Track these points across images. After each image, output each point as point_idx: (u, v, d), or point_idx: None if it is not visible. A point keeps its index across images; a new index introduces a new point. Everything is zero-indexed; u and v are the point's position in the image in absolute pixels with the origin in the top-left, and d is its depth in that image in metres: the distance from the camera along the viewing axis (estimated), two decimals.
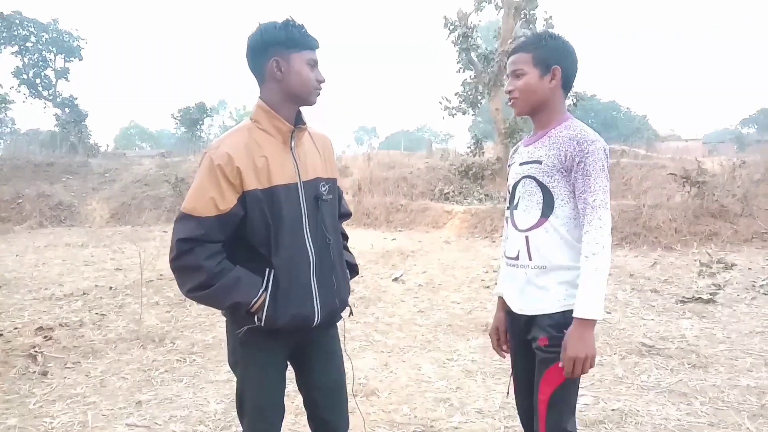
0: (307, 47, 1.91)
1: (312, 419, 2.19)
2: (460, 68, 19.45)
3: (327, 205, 2.02)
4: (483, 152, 19.12)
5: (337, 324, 2.18)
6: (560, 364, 1.88)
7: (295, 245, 1.91)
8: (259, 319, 1.89)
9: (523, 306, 2.02)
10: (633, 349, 4.53)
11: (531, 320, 2.01)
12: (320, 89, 1.97)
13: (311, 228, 1.95)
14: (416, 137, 68.85)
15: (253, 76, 1.98)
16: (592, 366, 1.88)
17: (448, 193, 15.97)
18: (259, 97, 1.97)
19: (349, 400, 2.22)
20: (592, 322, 1.87)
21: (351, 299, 2.22)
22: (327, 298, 1.99)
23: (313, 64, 1.93)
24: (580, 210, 1.93)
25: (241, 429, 3.26)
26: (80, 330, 5.29)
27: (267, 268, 1.89)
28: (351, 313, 2.21)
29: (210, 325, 5.48)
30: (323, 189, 2.00)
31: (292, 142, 1.97)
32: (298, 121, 1.99)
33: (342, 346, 2.20)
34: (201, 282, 1.82)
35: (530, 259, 1.99)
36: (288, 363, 2.11)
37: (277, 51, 1.88)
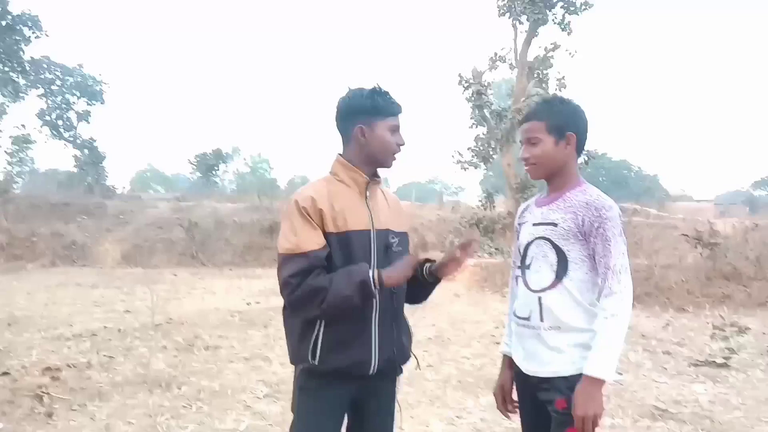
0: (390, 114, 2.05)
1: None
2: (473, 124, 19.78)
3: (397, 255, 2.08)
4: (494, 206, 19.25)
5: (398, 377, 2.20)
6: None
7: None
8: (313, 357, 1.93)
9: (537, 368, 2.01)
10: (645, 412, 4.45)
11: (544, 381, 2.00)
12: (399, 152, 2.10)
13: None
14: (427, 189, 69.33)
15: (339, 134, 2.12)
16: (596, 425, 1.88)
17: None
18: (339, 154, 2.11)
19: None
20: (601, 382, 1.87)
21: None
22: (386, 346, 2.03)
23: (395, 130, 2.06)
24: (600, 274, 1.95)
25: None
26: (87, 371, 5.28)
27: None
28: (418, 365, 2.28)
29: (218, 372, 5.45)
30: (393, 240, 2.09)
31: (368, 193, 2.07)
32: (374, 176, 2.11)
33: (396, 400, 2.21)
34: (320, 296, 1.87)
35: (542, 320, 2.00)
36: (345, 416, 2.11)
37: (362, 118, 2.03)
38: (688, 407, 4.59)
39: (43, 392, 4.53)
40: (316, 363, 1.94)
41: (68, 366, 5.39)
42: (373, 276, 1.90)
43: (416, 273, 2.11)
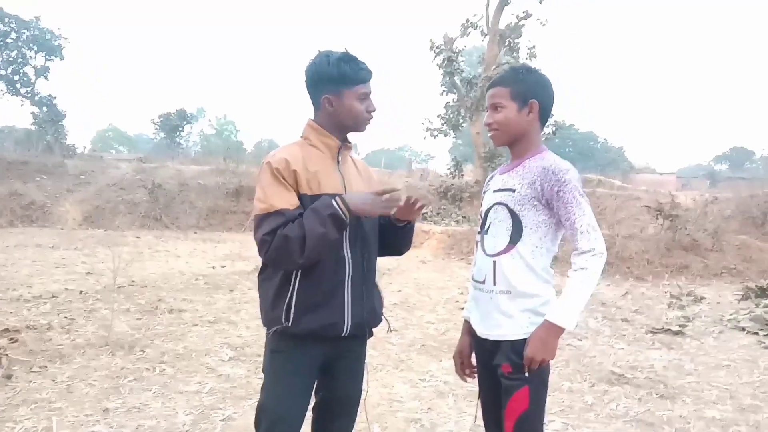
0: (359, 82, 2.02)
1: (318, 425, 2.22)
2: (444, 91, 19.72)
3: (368, 223, 2.10)
4: (462, 174, 19.34)
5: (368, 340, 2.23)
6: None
7: (334, 253, 1.98)
8: (287, 319, 1.94)
9: (487, 330, 2.06)
10: (603, 377, 4.59)
11: (495, 345, 2.03)
12: (371, 118, 2.09)
13: (351, 240, 2.03)
14: (397, 156, 69.25)
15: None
16: (540, 368, 1.94)
17: (426, 213, 16.06)
18: (311, 119, 2.10)
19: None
20: (560, 330, 1.92)
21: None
22: (357, 309, 2.04)
23: (365, 97, 2.04)
24: (569, 236, 1.99)
25: None
26: (48, 333, 5.18)
27: (294, 270, 1.94)
28: (389, 328, 2.30)
29: (181, 335, 5.41)
30: None
31: (339, 158, 2.09)
32: (345, 140, 2.10)
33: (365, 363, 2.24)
34: (298, 243, 1.86)
35: (495, 283, 2.03)
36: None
37: (330, 88, 2.01)
38: (643, 372, 4.75)
39: (1, 354, 4.43)
40: (290, 325, 1.95)
41: (28, 327, 5.27)
42: (338, 204, 1.91)
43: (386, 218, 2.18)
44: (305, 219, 1.89)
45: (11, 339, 4.86)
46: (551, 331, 1.92)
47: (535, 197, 1.98)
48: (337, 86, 2.00)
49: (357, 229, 2.04)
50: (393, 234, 2.23)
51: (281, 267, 1.96)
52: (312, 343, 2.01)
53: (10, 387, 3.93)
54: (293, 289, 1.95)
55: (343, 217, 1.90)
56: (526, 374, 1.94)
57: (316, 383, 2.17)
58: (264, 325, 2.06)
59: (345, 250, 2.01)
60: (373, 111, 2.08)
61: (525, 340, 1.95)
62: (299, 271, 1.95)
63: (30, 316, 5.81)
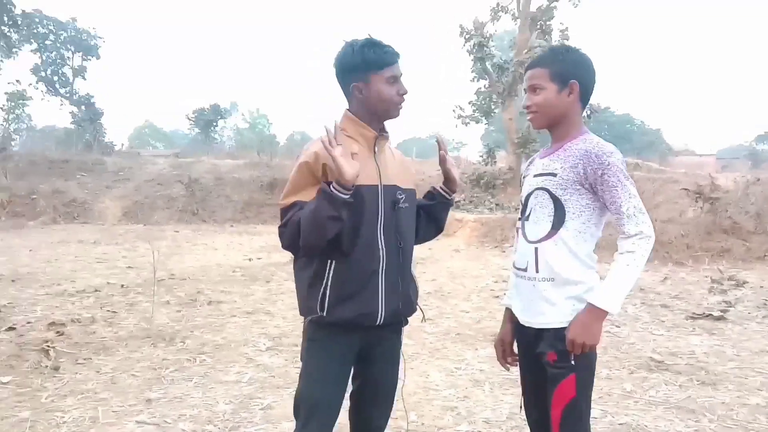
0: (385, 65, 2.00)
1: (355, 412, 2.24)
2: (475, 77, 19.50)
3: (403, 212, 2.10)
4: (495, 161, 19.16)
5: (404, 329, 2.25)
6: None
7: (368, 243, 2.00)
8: (321, 309, 1.97)
9: (530, 318, 2.03)
10: (642, 364, 4.52)
11: (538, 334, 2.01)
12: (403, 101, 2.07)
13: (386, 230, 2.03)
14: (428, 144, 68.81)
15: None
16: (585, 352, 1.91)
17: (459, 201, 15.98)
18: (347, 109, 2.10)
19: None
20: (603, 313, 1.89)
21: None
22: (391, 299, 2.05)
23: (394, 80, 2.02)
24: (614, 221, 1.94)
25: (248, 430, 3.30)
26: (92, 326, 5.35)
27: (329, 260, 1.97)
28: (424, 317, 2.34)
29: (220, 326, 5.52)
30: (400, 196, 2.09)
31: (376, 148, 2.07)
32: (382, 131, 2.10)
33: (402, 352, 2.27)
34: (295, 229, 1.91)
35: (537, 271, 1.99)
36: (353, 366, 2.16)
37: (356, 76, 2.01)
38: (683, 359, 4.66)
39: (48, 346, 4.59)
40: (324, 314, 1.98)
41: (72, 321, 5.45)
42: (330, 185, 1.85)
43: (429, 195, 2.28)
44: (303, 212, 1.91)
45: (58, 332, 5.03)
46: (594, 315, 1.88)
47: (578, 181, 1.93)
48: (364, 72, 1.99)
49: (391, 220, 2.04)
50: (441, 209, 2.28)
51: (297, 253, 2.01)
52: (347, 332, 2.03)
53: (57, 378, 4.08)
54: (327, 279, 1.97)
55: (332, 191, 1.84)
56: (572, 362, 1.91)
57: (353, 371, 2.19)
58: (300, 314, 2.10)
59: (379, 241, 2.02)
60: (405, 93, 2.06)
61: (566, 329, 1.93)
62: (333, 262, 1.96)
63: (74, 309, 5.99)
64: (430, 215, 2.27)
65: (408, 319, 2.22)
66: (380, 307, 2.02)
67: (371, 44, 1.99)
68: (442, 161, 2.22)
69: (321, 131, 1.96)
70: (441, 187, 2.27)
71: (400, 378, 2.28)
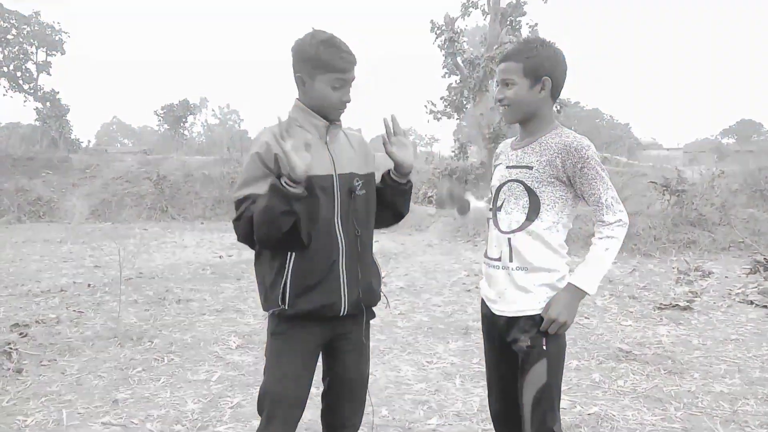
0: (335, 69, 1.94)
1: (328, 412, 2.22)
2: (446, 73, 19.51)
3: (360, 199, 2.08)
4: (467, 156, 19.24)
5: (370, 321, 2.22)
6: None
7: (326, 233, 1.97)
8: (283, 301, 1.95)
9: (504, 307, 2.04)
10: (610, 354, 4.58)
11: (511, 322, 2.02)
12: (344, 108, 2.04)
13: (342, 219, 2.01)
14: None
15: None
16: (561, 331, 1.97)
17: (431, 196, 16.03)
18: (297, 98, 2.07)
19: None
20: (582, 293, 1.96)
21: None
22: (353, 288, 2.03)
23: (341, 85, 1.97)
24: (593, 211, 2.00)
25: (217, 429, 3.26)
26: (57, 327, 5.22)
27: (288, 253, 1.94)
28: (388, 304, 2.34)
29: (189, 324, 5.43)
30: (357, 183, 2.07)
31: (328, 137, 2.05)
32: (334, 120, 2.07)
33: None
34: (248, 223, 1.90)
35: (511, 260, 2.02)
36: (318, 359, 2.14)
37: (304, 68, 1.97)
38: (651, 349, 4.74)
39: (11, 348, 4.47)
40: (286, 307, 1.96)
41: (37, 322, 5.32)
42: (281, 179, 1.82)
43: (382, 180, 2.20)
44: (258, 200, 1.88)
45: (21, 333, 4.91)
46: (574, 294, 1.96)
47: (554, 174, 1.97)
48: (312, 69, 1.96)
49: (348, 207, 2.03)
50: (393, 194, 2.20)
51: (254, 248, 2.00)
52: (310, 324, 2.01)
53: (20, 381, 3.97)
54: (288, 271, 1.95)
55: (282, 186, 1.80)
56: (544, 347, 1.95)
57: (323, 369, 2.17)
58: (263, 309, 2.07)
59: (337, 230, 2.00)
60: (347, 101, 2.02)
61: (541, 315, 1.97)
62: (293, 254, 1.94)
63: (39, 310, 5.85)
64: (382, 200, 2.22)
65: (374, 311, 2.20)
66: (343, 297, 2.01)
67: (330, 44, 1.94)
68: (384, 144, 2.13)
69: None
70: (391, 172, 2.19)
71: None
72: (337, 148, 2.08)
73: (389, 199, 2.22)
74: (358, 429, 2.23)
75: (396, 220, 2.31)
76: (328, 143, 2.05)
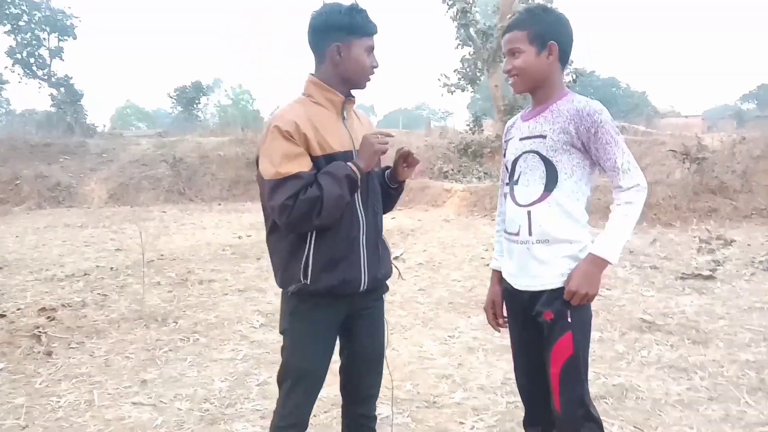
0: (367, 33, 1.99)
1: (347, 386, 2.26)
2: (459, 44, 19.26)
3: (373, 177, 2.11)
4: (482, 130, 19.05)
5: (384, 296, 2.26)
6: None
7: (350, 210, 1.99)
8: (305, 277, 1.95)
9: (526, 282, 2.03)
10: (633, 325, 4.57)
11: (534, 296, 2.01)
12: (373, 74, 2.06)
13: (363, 196, 2.03)
14: (414, 115, 68.47)
15: (312, 53, 2.05)
16: (589, 301, 1.95)
17: (447, 171, 15.96)
18: (311, 74, 2.05)
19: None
20: (604, 263, 1.92)
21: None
22: (373, 264, 2.06)
23: (371, 51, 2.01)
24: (609, 177, 1.96)
25: (245, 407, 3.31)
26: (83, 310, 5.31)
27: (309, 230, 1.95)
28: (400, 275, 2.41)
29: (212, 305, 5.50)
30: None
31: (344, 113, 2.06)
32: (348, 95, 2.07)
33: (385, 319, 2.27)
34: (317, 206, 1.87)
35: (530, 234, 1.99)
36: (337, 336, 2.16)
37: (339, 36, 1.96)
38: (674, 319, 4.72)
39: (40, 332, 4.56)
40: (308, 282, 1.96)
41: (63, 306, 5.41)
42: (351, 167, 1.92)
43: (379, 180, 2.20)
44: (322, 181, 1.88)
45: (49, 317, 5.00)
46: (596, 264, 1.91)
47: (569, 141, 1.94)
48: (348, 35, 1.96)
49: (367, 185, 2.05)
50: (383, 194, 2.23)
51: (297, 230, 1.95)
52: (330, 302, 2.03)
53: (51, 363, 4.06)
54: (309, 247, 1.95)
55: (356, 178, 1.92)
56: (569, 320, 1.93)
57: (339, 344, 2.19)
58: (279, 286, 2.07)
59: (358, 208, 2.02)
60: (377, 67, 2.05)
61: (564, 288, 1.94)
62: (314, 231, 1.95)
63: (64, 294, 5.95)
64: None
65: (387, 284, 2.22)
66: (363, 273, 2.02)
67: (358, 10, 1.97)
68: (396, 166, 2.17)
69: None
70: (386, 174, 2.23)
71: (386, 347, 2.28)
72: (353, 125, 2.09)
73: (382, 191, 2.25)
74: (377, 398, 2.28)
75: (384, 211, 2.34)
76: (345, 119, 2.06)
